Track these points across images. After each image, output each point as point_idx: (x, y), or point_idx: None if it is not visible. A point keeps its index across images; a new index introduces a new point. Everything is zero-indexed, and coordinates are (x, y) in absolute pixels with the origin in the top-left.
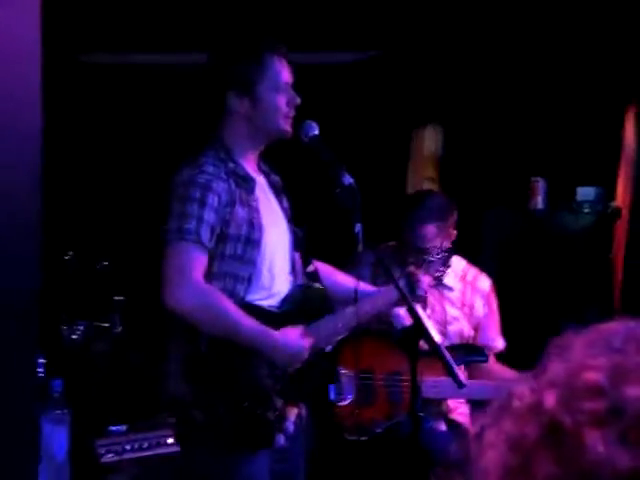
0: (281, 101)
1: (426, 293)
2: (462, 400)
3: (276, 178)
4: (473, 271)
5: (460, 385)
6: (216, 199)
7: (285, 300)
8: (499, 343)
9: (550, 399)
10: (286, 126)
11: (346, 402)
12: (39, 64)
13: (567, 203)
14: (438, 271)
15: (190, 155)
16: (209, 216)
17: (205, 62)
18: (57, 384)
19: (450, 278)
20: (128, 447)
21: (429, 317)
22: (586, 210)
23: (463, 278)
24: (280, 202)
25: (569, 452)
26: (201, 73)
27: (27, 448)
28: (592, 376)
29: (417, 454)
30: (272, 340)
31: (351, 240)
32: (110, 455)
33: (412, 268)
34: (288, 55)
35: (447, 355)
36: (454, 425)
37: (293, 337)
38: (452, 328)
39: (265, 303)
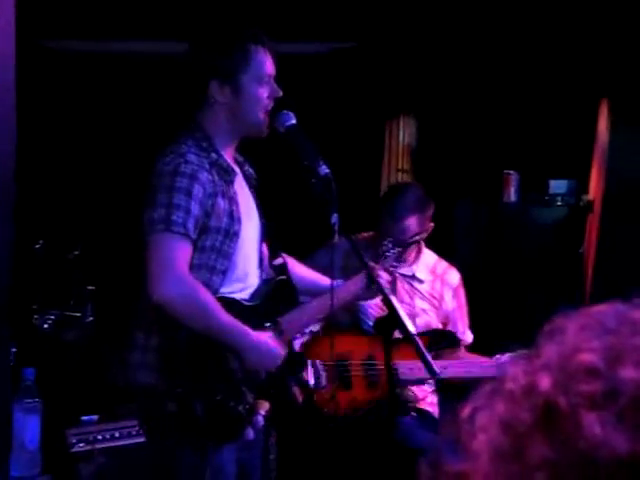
0: (262, 93)
1: (387, 286)
2: (430, 389)
3: (250, 170)
4: (443, 264)
5: (433, 374)
6: (201, 190)
7: (255, 294)
8: (467, 337)
9: (545, 381)
10: (264, 120)
11: (323, 388)
12: (13, 50)
13: (539, 196)
14: (392, 266)
15: (165, 143)
16: (195, 208)
17: (185, 50)
18: (29, 373)
19: (421, 271)
20: (99, 437)
21: None
22: (558, 203)
23: (433, 271)
24: (253, 195)
25: (564, 435)
26: (181, 61)
27: None
28: (587, 358)
29: (393, 439)
30: (249, 340)
31: (327, 230)
32: (81, 445)
33: (371, 263)
34: (271, 47)
35: (420, 344)
36: (422, 414)
37: (270, 341)
38: (420, 320)
39: (237, 296)
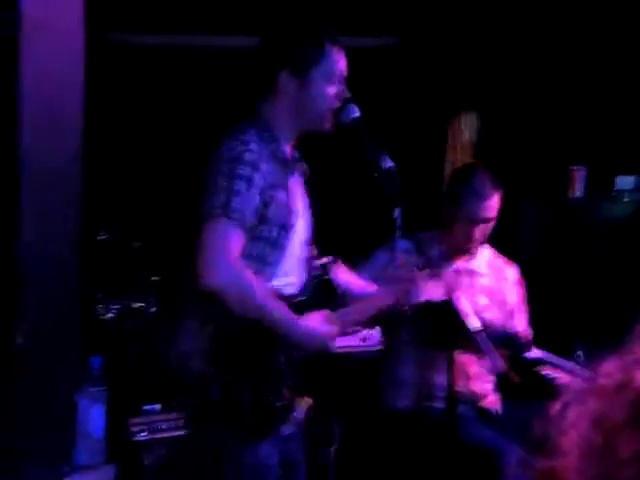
0: (330, 91)
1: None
2: (491, 388)
3: (304, 166)
4: (501, 260)
5: (498, 369)
6: (262, 180)
7: (302, 289)
8: (529, 333)
9: None
10: (328, 118)
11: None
12: (82, 47)
13: (606, 192)
14: (436, 269)
15: (227, 132)
16: (255, 197)
17: (258, 42)
18: (96, 362)
19: (481, 264)
20: (162, 426)
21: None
22: (625, 199)
23: (492, 266)
24: (305, 192)
25: None
26: (253, 51)
27: (66, 424)
28: None
29: (450, 437)
30: (303, 327)
31: (390, 225)
32: (144, 434)
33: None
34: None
35: (483, 341)
36: (483, 412)
37: (319, 323)
38: (484, 316)
39: (284, 290)
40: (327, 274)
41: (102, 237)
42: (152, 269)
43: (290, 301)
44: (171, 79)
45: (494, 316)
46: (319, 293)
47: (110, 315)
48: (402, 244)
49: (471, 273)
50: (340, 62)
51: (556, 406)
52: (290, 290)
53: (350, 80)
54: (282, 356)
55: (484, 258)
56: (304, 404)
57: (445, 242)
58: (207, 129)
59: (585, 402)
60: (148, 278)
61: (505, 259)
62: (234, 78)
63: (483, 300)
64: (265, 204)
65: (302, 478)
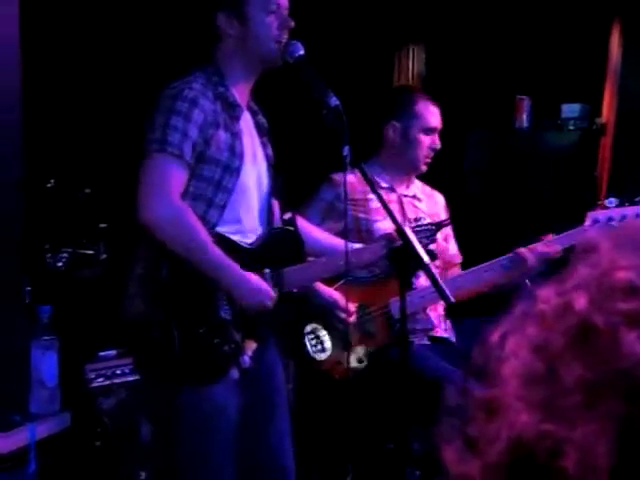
0: (271, 22)
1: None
2: (442, 314)
3: (263, 120)
4: (428, 187)
5: (447, 300)
6: (202, 116)
7: (258, 239)
8: (459, 255)
9: (581, 301)
10: (276, 50)
11: (324, 356)
12: None
13: (552, 120)
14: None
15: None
16: (193, 132)
17: None
18: (45, 310)
19: (417, 191)
20: (118, 372)
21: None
22: (571, 127)
23: (424, 192)
24: (263, 145)
25: (602, 354)
26: None
27: (18, 374)
28: (624, 275)
29: (408, 377)
30: (238, 275)
31: (339, 162)
32: (100, 379)
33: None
34: None
35: (435, 274)
36: (438, 341)
37: (259, 281)
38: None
39: (234, 237)
40: (292, 227)
41: (50, 185)
42: (102, 216)
43: (238, 247)
44: (123, 19)
45: (438, 239)
46: (281, 244)
47: (60, 264)
48: (327, 194)
49: (412, 198)
50: None
51: (495, 334)
52: (241, 239)
53: (293, 14)
54: (223, 298)
55: (416, 185)
56: (250, 348)
57: (388, 170)
58: (159, 74)
59: (524, 329)
60: (97, 225)
61: (430, 187)
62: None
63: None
64: (205, 141)
65: (284, 418)
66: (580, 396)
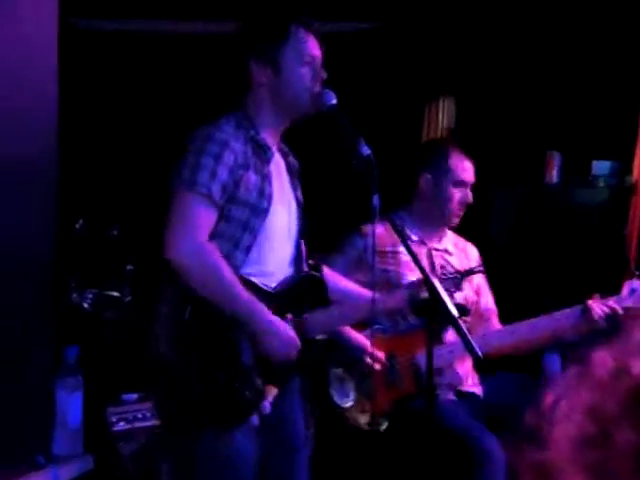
0: (305, 73)
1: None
2: (470, 369)
3: (294, 162)
4: (462, 240)
5: (477, 358)
6: (232, 157)
7: (282, 283)
8: (495, 310)
9: (637, 366)
10: (309, 101)
11: (349, 403)
12: (56, 34)
13: (582, 177)
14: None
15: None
16: (223, 173)
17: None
18: (72, 351)
19: (449, 244)
20: (139, 415)
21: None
22: (601, 184)
23: (456, 245)
24: (294, 187)
25: None
26: (226, 43)
27: (43, 414)
28: None
29: (432, 429)
30: (267, 321)
31: (368, 212)
32: (121, 424)
33: (417, 281)
34: (317, 29)
35: (464, 329)
36: (465, 396)
37: (287, 329)
38: (459, 295)
39: (257, 280)
40: (318, 273)
41: (79, 225)
42: (128, 258)
43: (261, 290)
44: (153, 67)
45: (467, 293)
46: (305, 290)
47: (85, 304)
48: (357, 242)
49: (443, 252)
50: (309, 42)
51: (548, 398)
52: (264, 281)
53: (327, 65)
54: (245, 343)
55: (449, 238)
56: (271, 394)
57: (418, 222)
58: (189, 118)
59: (578, 392)
60: (124, 267)
61: (464, 238)
62: (212, 66)
63: None
64: (235, 183)
65: (303, 464)
66: (631, 462)
